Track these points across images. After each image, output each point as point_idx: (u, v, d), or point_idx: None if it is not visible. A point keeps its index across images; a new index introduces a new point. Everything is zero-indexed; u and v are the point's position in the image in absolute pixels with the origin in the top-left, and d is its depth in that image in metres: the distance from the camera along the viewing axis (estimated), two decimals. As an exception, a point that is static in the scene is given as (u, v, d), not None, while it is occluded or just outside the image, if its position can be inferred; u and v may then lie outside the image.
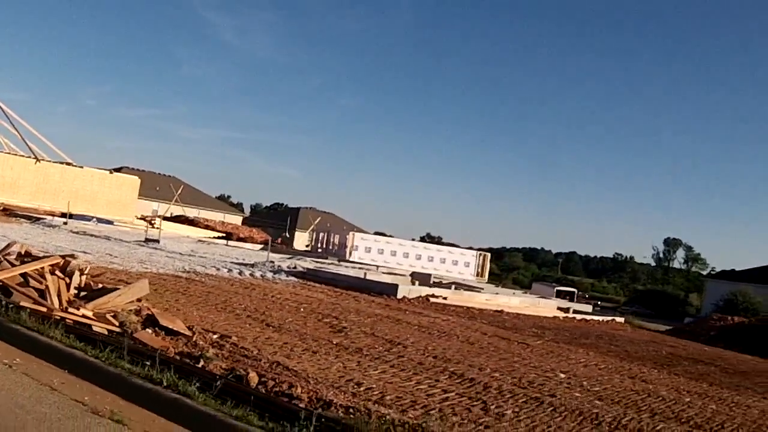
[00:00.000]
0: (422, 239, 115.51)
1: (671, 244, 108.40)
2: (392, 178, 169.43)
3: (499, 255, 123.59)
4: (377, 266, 30.75)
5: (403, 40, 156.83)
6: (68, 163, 42.61)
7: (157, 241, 26.18)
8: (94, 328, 7.85)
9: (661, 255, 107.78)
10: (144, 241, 26.15)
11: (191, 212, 56.45)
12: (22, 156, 40.75)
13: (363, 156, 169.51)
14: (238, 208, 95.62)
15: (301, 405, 6.00)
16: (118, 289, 8.90)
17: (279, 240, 53.42)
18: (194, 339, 8.47)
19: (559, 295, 44.70)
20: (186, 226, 43.06)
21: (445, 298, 19.01)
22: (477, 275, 36.19)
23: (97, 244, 22.87)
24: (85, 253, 18.18)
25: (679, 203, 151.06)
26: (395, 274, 27.73)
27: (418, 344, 10.81)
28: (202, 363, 7.07)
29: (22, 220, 32.54)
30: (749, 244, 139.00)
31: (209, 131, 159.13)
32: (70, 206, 37.56)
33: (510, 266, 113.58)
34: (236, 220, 68.09)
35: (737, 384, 13.11)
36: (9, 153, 40.81)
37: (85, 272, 9.52)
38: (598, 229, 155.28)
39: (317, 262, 28.80)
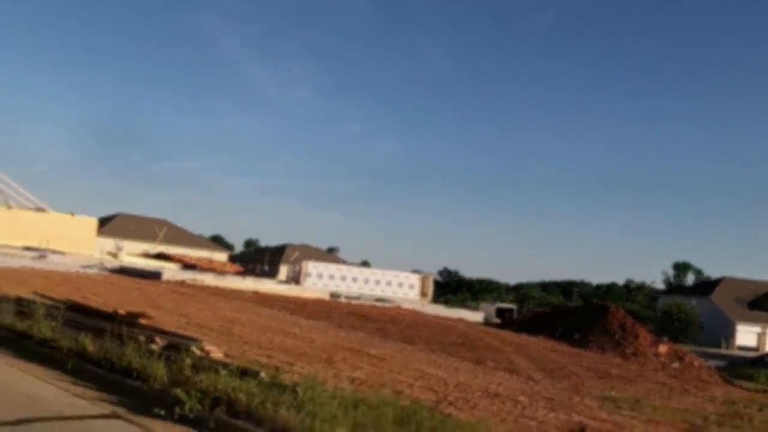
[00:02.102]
0: (440, 273, 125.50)
1: (681, 268, 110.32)
2: (425, 217, 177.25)
3: (518, 287, 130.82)
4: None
5: (440, 86, 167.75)
6: (38, 209, 52.65)
7: (45, 256, 34.95)
8: None
9: (671, 280, 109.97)
10: (38, 257, 34.86)
11: (178, 251, 66.41)
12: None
13: (400, 197, 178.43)
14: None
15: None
16: None
17: (257, 272, 64.47)
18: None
19: (498, 310, 52.57)
20: (158, 261, 50.98)
21: (203, 281, 27.42)
22: (422, 296, 40.84)
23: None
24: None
25: (689, 227, 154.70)
26: None
27: (94, 289, 19.29)
28: None
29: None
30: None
31: (249, 180, 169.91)
32: (37, 244, 47.05)
33: (523, 297, 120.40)
34: (223, 257, 78.45)
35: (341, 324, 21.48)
36: None
37: None
38: (624, 258, 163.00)
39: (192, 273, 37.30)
